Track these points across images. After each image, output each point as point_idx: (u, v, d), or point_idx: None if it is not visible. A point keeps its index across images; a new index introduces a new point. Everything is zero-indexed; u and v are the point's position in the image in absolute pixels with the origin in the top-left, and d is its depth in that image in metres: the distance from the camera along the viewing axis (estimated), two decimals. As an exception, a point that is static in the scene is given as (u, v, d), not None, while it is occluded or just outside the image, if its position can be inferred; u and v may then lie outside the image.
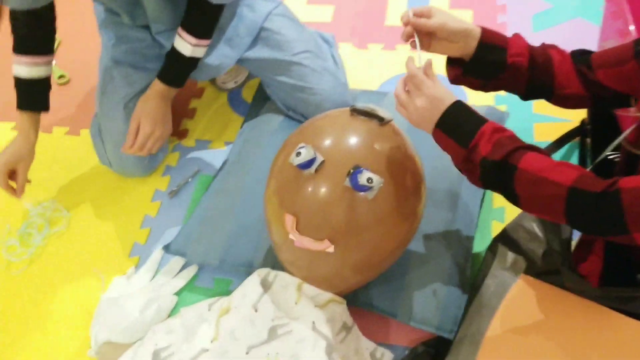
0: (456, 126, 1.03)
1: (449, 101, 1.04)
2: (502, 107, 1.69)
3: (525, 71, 1.10)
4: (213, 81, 1.80)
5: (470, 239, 1.42)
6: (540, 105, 1.67)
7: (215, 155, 1.69)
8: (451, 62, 1.18)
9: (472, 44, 1.11)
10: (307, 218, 1.14)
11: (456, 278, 1.33)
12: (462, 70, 1.15)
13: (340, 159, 1.13)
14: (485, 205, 1.52)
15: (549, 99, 1.16)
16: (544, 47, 1.14)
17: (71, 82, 1.93)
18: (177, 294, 1.42)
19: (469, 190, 1.48)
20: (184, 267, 1.46)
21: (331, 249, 1.14)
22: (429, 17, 1.10)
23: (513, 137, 1.01)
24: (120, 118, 1.55)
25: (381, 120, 1.18)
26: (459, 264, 1.35)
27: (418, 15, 1.10)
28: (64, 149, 1.75)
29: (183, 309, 1.34)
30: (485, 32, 1.12)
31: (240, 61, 1.61)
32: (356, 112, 1.20)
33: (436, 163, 1.50)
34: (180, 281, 1.43)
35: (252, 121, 1.69)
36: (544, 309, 1.10)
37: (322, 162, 1.13)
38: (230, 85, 1.83)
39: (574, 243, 1.15)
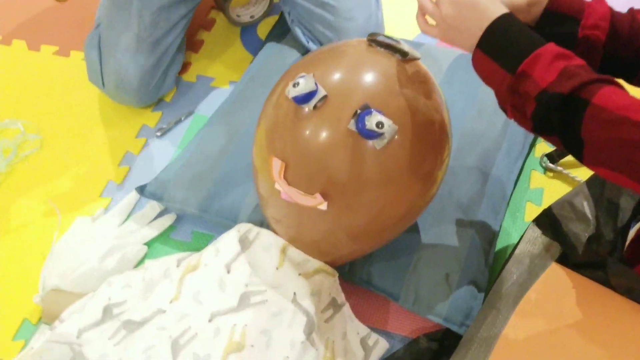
0: (504, 45, 0.80)
1: (496, 12, 0.81)
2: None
3: (600, 47, 0.89)
4: (226, 13, 1.58)
5: (498, 219, 1.18)
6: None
7: (217, 95, 1.47)
8: None
9: (536, 12, 0.90)
10: (298, 164, 0.92)
11: (476, 263, 1.10)
12: None
13: (347, 96, 0.91)
14: (521, 183, 1.29)
15: (629, 80, 0.93)
16: (633, 12, 0.90)
17: None
18: (148, 244, 1.22)
19: (504, 162, 1.25)
20: (160, 215, 1.25)
21: (324, 205, 0.91)
22: None
23: (584, 67, 0.77)
24: (138, 27, 1.36)
25: (404, 56, 0.95)
26: (481, 247, 1.13)
27: None
28: (49, 69, 1.55)
29: (148, 261, 1.14)
30: None
31: None
32: (375, 42, 0.97)
33: (469, 124, 1.28)
34: (153, 230, 1.23)
35: (263, 58, 1.46)
36: (577, 308, 0.88)
37: (324, 98, 0.90)
38: (245, 19, 1.61)
39: (632, 232, 0.91)
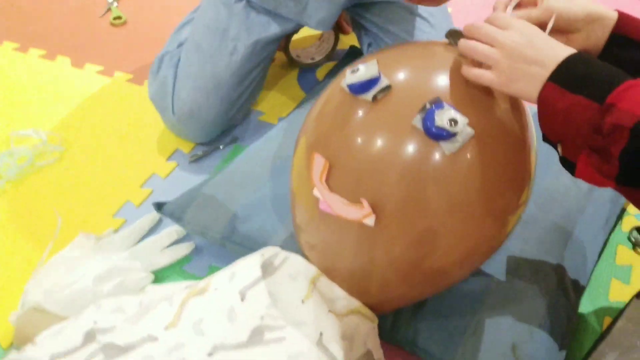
0: (585, 75, 0.66)
1: (565, 51, 0.68)
2: None
3: None
4: (286, 51, 1.46)
5: (579, 291, 0.96)
6: None
7: (263, 129, 1.32)
8: None
9: (601, 34, 0.77)
10: (345, 167, 0.74)
11: (551, 337, 0.88)
12: None
13: (415, 89, 0.74)
14: (605, 257, 1.07)
15: None
16: None
17: (127, 24, 1.64)
18: (155, 273, 1.03)
19: (588, 228, 1.04)
20: (177, 243, 1.07)
21: (370, 219, 0.72)
22: (534, 3, 0.79)
23: None
24: (230, 57, 1.22)
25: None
26: (558, 319, 0.90)
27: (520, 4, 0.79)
28: (91, 87, 1.44)
29: (150, 286, 0.95)
30: (623, 18, 0.76)
31: None
32: (455, 38, 0.80)
33: (549, 179, 1.08)
34: (164, 258, 1.04)
35: (315, 97, 1.32)
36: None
37: (387, 88, 0.74)
38: (305, 60, 1.48)
39: None
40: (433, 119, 0.69)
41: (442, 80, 0.74)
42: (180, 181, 1.21)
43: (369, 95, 0.74)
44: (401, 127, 0.72)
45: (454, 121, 0.69)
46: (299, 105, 1.34)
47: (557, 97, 0.67)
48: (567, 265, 0.97)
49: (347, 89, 0.75)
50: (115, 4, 1.68)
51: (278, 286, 0.81)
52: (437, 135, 0.70)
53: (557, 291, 0.94)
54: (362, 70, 0.74)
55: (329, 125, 0.77)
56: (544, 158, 1.10)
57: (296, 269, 0.82)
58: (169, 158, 1.25)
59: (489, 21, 0.73)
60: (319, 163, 0.75)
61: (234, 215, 1.02)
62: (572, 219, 1.03)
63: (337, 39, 1.49)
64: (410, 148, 0.71)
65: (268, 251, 0.86)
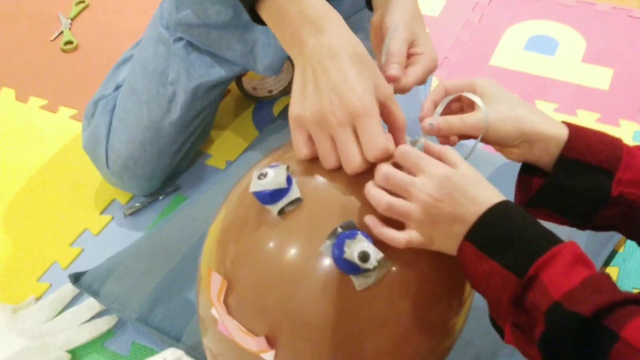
0: (506, 238, 0.58)
1: (493, 198, 0.60)
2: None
3: None
4: (240, 86, 1.36)
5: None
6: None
7: (209, 175, 1.23)
8: (524, 171, 0.72)
9: (545, 155, 0.68)
10: (245, 289, 0.65)
11: None
12: (533, 192, 0.69)
13: (329, 204, 0.64)
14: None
15: None
16: None
17: (79, 50, 1.54)
18: (74, 352, 0.95)
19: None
20: (99, 316, 0.99)
21: (269, 355, 0.63)
22: (469, 110, 0.71)
23: (609, 280, 0.56)
24: (169, 104, 1.11)
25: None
26: None
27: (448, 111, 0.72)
28: (33, 122, 1.35)
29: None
30: (575, 136, 0.66)
31: None
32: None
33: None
34: (83, 334, 0.96)
35: (268, 139, 1.22)
36: None
37: (297, 201, 0.64)
38: (262, 93, 1.38)
39: None
40: (342, 249, 0.60)
41: (363, 197, 0.64)
42: (114, 238, 1.12)
43: (275, 208, 0.64)
44: (310, 250, 0.62)
45: (365, 255, 0.59)
46: (250, 146, 1.24)
47: (475, 260, 0.58)
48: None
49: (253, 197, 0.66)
50: (68, 26, 1.57)
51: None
52: (347, 268, 0.60)
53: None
54: (270, 177, 0.64)
55: (230, 236, 0.67)
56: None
57: (202, 384, 0.74)
58: (103, 211, 1.16)
59: (399, 158, 0.63)
60: (216, 281, 0.66)
61: (153, 293, 0.94)
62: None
63: (296, 70, 1.38)
64: (318, 275, 0.62)
65: (171, 354, 0.78)
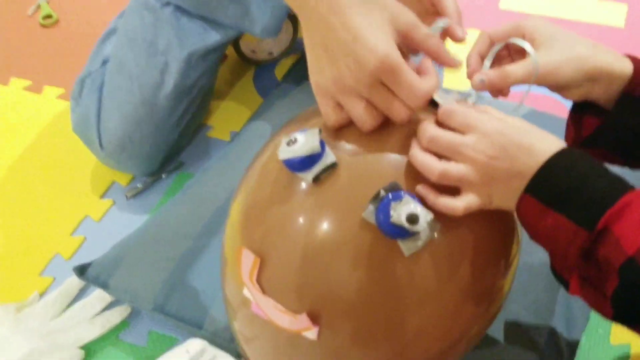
0: (570, 187, 0.52)
1: (548, 148, 0.53)
2: None
3: None
4: (238, 49, 1.27)
5: (572, 348, 0.82)
6: None
7: (212, 148, 1.15)
8: (576, 110, 0.67)
9: (607, 93, 0.62)
10: (280, 265, 0.57)
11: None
12: (595, 128, 0.64)
13: (368, 168, 0.57)
14: (596, 334, 0.90)
15: None
16: None
17: (59, 24, 1.44)
18: (87, 347, 0.87)
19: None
20: (110, 307, 0.91)
21: (312, 333, 0.56)
22: (518, 56, 0.65)
23: None
24: (161, 75, 1.02)
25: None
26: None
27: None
28: (17, 105, 1.25)
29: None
30: (639, 75, 0.60)
31: None
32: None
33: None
34: (95, 329, 0.88)
35: (274, 106, 1.13)
36: None
37: (332, 166, 0.56)
38: (262, 56, 1.29)
39: None
40: (388, 213, 0.52)
41: (403, 158, 0.57)
42: (117, 223, 1.04)
43: (309, 175, 0.56)
44: (350, 219, 0.55)
45: (414, 217, 0.52)
46: (255, 115, 1.16)
47: (536, 214, 0.53)
48: (563, 308, 0.83)
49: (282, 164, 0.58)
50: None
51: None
52: (394, 233, 0.53)
53: (547, 349, 0.79)
54: (301, 142, 0.56)
55: (259, 210, 0.60)
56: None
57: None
58: (103, 195, 1.08)
59: (444, 117, 0.56)
60: (248, 260, 0.58)
61: (167, 281, 0.86)
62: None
63: (296, 28, 1.29)
64: (361, 245, 0.55)
65: (194, 346, 0.72)
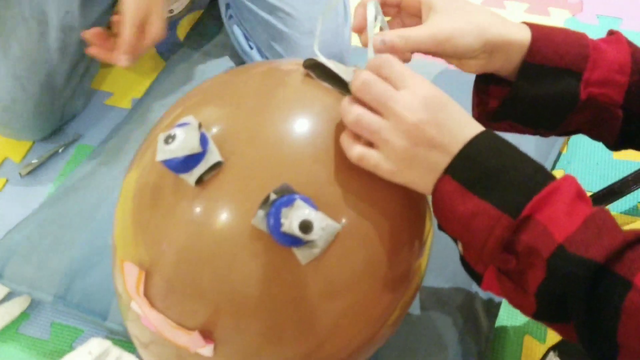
0: (495, 171, 0.49)
1: (472, 127, 0.51)
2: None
3: (616, 110, 0.60)
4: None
5: (491, 318, 0.83)
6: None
7: (112, 117, 1.08)
8: (481, 80, 0.64)
9: (511, 59, 0.60)
10: (167, 277, 0.54)
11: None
12: (502, 100, 0.63)
13: (256, 166, 0.53)
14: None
15: None
16: None
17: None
18: (-16, 344, 0.83)
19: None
20: (9, 298, 0.87)
21: (207, 350, 0.54)
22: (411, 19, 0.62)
23: (610, 216, 0.49)
24: (41, 26, 0.94)
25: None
26: (469, 351, 0.77)
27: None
28: None
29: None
30: (539, 39, 0.59)
31: None
32: (314, 70, 0.59)
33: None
34: (-9, 323, 0.84)
35: (175, 71, 1.08)
36: None
37: (218, 166, 0.53)
38: (161, 14, 1.22)
39: None
40: (279, 221, 0.49)
41: (297, 152, 0.53)
42: (12, 203, 0.98)
43: (191, 177, 0.52)
44: (239, 226, 0.52)
45: (307, 224, 0.49)
46: (157, 80, 1.09)
47: (456, 197, 0.49)
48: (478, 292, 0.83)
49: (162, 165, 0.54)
50: None
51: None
52: (287, 241, 0.50)
53: (467, 322, 0.79)
54: (179, 140, 0.52)
55: (141, 215, 0.56)
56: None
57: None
58: (-6, 173, 1.01)
59: (375, 68, 0.52)
60: (132, 273, 0.54)
61: (68, 267, 0.82)
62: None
63: (195, -19, 1.22)
64: (253, 253, 0.51)
65: (97, 347, 0.68)
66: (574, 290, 0.46)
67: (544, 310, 0.49)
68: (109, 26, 1.02)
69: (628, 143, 0.64)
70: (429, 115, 0.50)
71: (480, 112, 0.65)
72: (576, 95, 0.59)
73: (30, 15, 0.93)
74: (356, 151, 0.51)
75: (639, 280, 0.45)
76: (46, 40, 0.95)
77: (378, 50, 0.57)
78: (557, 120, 0.62)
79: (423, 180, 0.52)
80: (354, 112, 0.51)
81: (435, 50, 0.58)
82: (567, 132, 0.65)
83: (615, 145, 0.64)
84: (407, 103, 0.50)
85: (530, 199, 0.47)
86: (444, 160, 0.50)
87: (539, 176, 0.49)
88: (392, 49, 0.57)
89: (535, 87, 0.59)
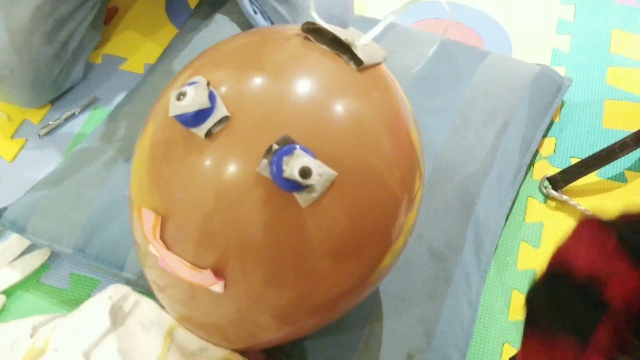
0: None
1: None
2: (561, 70, 1.12)
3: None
4: (148, -26, 1.23)
5: (482, 271, 0.88)
6: (617, 76, 1.11)
7: (127, 82, 1.13)
8: None
9: None
10: (180, 222, 0.59)
11: (451, 338, 0.80)
12: None
13: (260, 119, 0.58)
14: (514, 216, 0.97)
15: None
16: None
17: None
18: (8, 292, 0.89)
19: (494, 192, 0.93)
20: (31, 250, 0.92)
21: (218, 287, 0.59)
22: None
23: None
24: None
25: (358, 64, 0.62)
26: (459, 314, 0.82)
27: None
28: None
29: (-5, 325, 0.82)
30: None
31: None
32: (314, 34, 0.64)
33: (450, 139, 0.97)
34: (15, 273, 0.90)
35: (187, 36, 1.12)
36: None
37: (224, 120, 0.58)
38: (172, -17, 1.26)
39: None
40: (281, 167, 0.55)
41: (297, 107, 0.58)
42: (31, 164, 1.03)
43: (201, 131, 0.58)
44: (245, 173, 0.57)
45: (307, 171, 0.54)
46: (169, 47, 1.14)
47: None
48: (471, 243, 0.88)
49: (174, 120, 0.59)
50: None
51: (129, 340, 0.69)
52: (288, 186, 0.55)
53: (458, 279, 0.85)
54: (190, 97, 0.57)
55: (156, 167, 0.61)
56: (445, 109, 0.98)
57: (149, 318, 0.70)
58: (14, 134, 1.06)
59: None
60: (148, 218, 0.60)
61: (87, 222, 0.87)
62: (476, 184, 0.92)
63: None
64: (259, 198, 0.57)
65: (117, 292, 0.73)
66: None
67: None
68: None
69: None
70: None
71: None
72: None
73: None
74: None
75: None
76: (37, 8, 0.98)
77: None
78: None
79: None
80: None
81: None
82: None
83: None
84: None
85: None
86: None
87: None
88: None
89: None
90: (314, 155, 0.55)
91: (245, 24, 1.10)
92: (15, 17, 0.98)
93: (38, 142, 1.06)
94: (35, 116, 1.08)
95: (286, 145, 0.55)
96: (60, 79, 1.06)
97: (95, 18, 1.10)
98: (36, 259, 0.91)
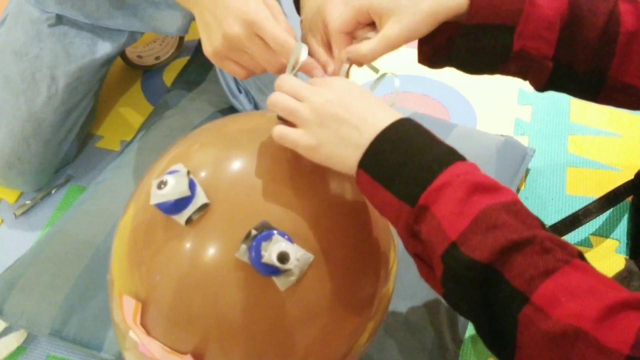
0: (396, 162, 0.53)
1: (383, 117, 0.56)
2: (524, 139, 1.17)
3: (547, 62, 0.63)
4: (124, 55, 1.26)
5: (457, 341, 0.89)
6: (577, 144, 1.15)
7: (103, 160, 1.15)
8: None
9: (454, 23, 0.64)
10: (161, 307, 0.61)
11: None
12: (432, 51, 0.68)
13: (238, 206, 0.60)
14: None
15: (592, 97, 0.67)
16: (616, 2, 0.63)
17: None
18: (-17, 377, 0.89)
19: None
20: (7, 332, 0.92)
21: (199, 373, 0.60)
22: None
23: (517, 206, 0.51)
24: (49, 90, 1.02)
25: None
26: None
27: None
28: None
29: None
30: (475, 6, 0.61)
31: None
32: (286, 122, 0.67)
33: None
34: (-11, 357, 0.90)
35: (163, 116, 1.15)
36: None
37: (204, 207, 0.60)
38: (149, 61, 1.30)
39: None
40: (259, 253, 0.56)
41: (276, 192, 0.61)
42: (8, 243, 1.04)
43: (181, 218, 0.60)
44: (225, 259, 0.59)
45: (284, 256, 0.56)
46: (145, 124, 1.17)
47: (370, 189, 0.55)
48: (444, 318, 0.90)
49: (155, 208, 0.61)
50: None
51: None
52: (266, 271, 0.57)
53: (434, 347, 0.86)
54: (170, 186, 0.59)
55: (138, 253, 0.62)
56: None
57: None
58: (-11, 215, 1.07)
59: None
60: (129, 305, 0.61)
61: (64, 304, 0.88)
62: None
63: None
64: (238, 283, 0.58)
65: None
66: (469, 291, 0.49)
67: (448, 297, 0.53)
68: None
69: (555, 88, 0.67)
70: (336, 97, 0.57)
71: (423, 55, 0.68)
72: (509, 47, 0.62)
73: (42, 78, 1.00)
74: (277, 130, 0.59)
75: (537, 298, 0.46)
76: (52, 104, 1.02)
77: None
78: (493, 68, 0.66)
79: (340, 158, 0.56)
80: (273, 97, 0.60)
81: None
82: (504, 74, 0.68)
83: (542, 89, 0.68)
84: (318, 90, 0.59)
85: (424, 189, 0.51)
86: (358, 141, 0.55)
87: (435, 166, 0.52)
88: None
89: (473, 42, 0.63)
90: (292, 239, 0.57)
91: (221, 103, 1.13)
92: (27, 108, 1.01)
93: (14, 222, 1.06)
94: (11, 196, 1.09)
95: (264, 231, 0.57)
96: (62, 160, 1.10)
97: (94, 104, 1.14)
98: (12, 341, 0.91)
